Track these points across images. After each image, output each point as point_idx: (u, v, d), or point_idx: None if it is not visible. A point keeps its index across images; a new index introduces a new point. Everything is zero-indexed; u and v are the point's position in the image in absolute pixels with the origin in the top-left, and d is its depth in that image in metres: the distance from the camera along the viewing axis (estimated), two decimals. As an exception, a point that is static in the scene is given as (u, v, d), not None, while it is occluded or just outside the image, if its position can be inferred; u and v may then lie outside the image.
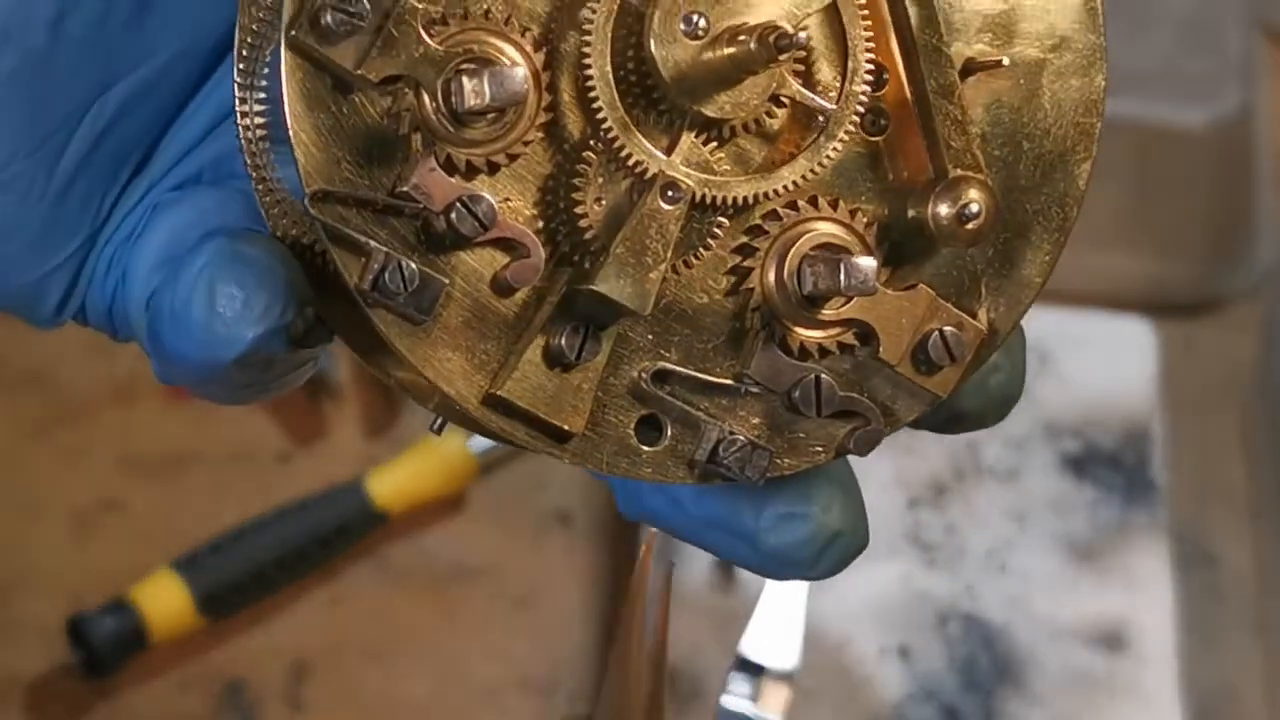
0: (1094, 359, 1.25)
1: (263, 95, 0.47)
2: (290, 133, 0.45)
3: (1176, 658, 1.13)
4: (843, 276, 0.46)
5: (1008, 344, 0.51)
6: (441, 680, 1.12)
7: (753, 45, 0.45)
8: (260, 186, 0.49)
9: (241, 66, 0.48)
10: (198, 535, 1.13)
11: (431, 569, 1.16)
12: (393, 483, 1.17)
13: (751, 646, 0.97)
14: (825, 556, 0.50)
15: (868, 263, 0.46)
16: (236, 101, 0.49)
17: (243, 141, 0.49)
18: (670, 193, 0.46)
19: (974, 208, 0.47)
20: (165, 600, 1.10)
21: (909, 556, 1.14)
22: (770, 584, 1.03)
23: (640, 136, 0.46)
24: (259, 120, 0.48)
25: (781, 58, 0.45)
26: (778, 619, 0.97)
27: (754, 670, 0.97)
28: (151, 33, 0.50)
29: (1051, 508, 1.18)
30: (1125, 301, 1.28)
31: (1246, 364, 1.24)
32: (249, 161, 0.49)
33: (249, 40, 0.48)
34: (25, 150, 0.49)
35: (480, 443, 1.19)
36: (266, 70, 0.47)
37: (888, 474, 1.17)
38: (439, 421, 0.51)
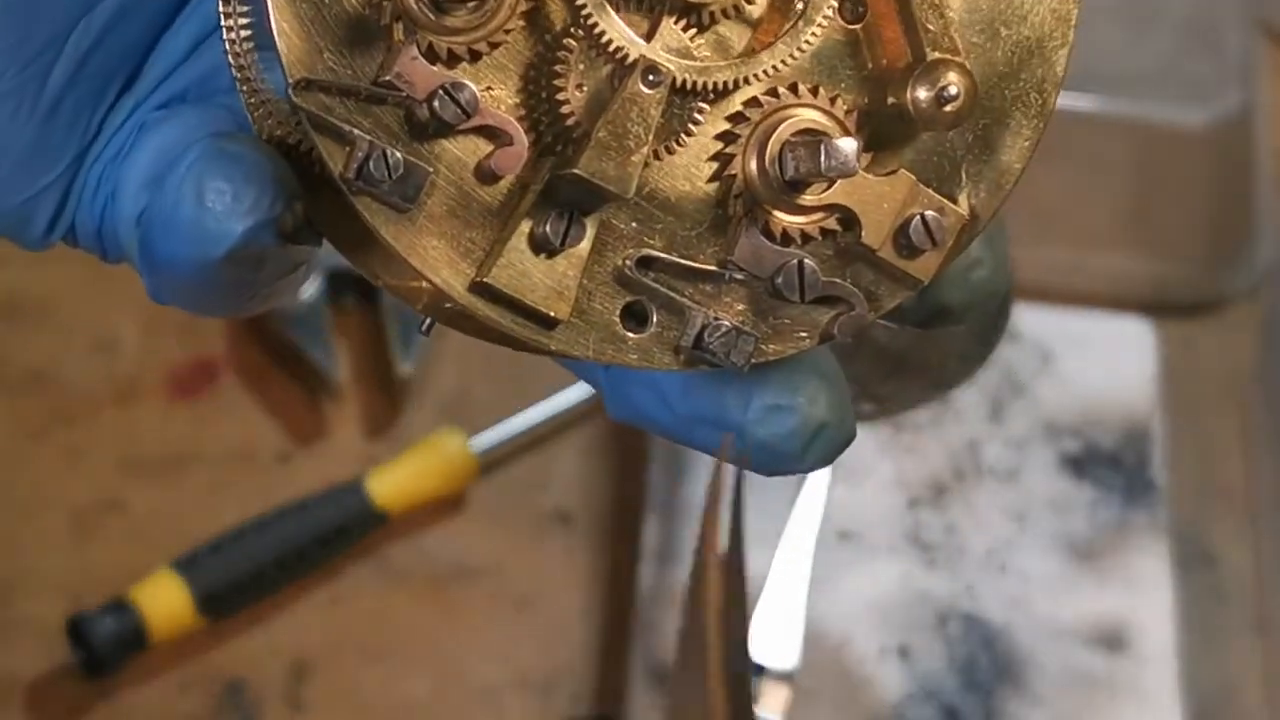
0: (1094, 359, 1.25)
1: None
2: (272, 23, 0.46)
3: (1176, 658, 1.13)
4: (823, 158, 0.47)
5: (990, 238, 0.52)
6: (441, 680, 1.11)
7: None
8: (245, 88, 0.50)
9: None
10: (198, 535, 1.13)
11: (431, 569, 1.16)
12: (393, 483, 1.17)
13: (751, 646, 0.97)
14: (812, 448, 0.51)
15: (848, 144, 0.47)
16: (220, 3, 0.49)
17: (227, 45, 0.49)
18: (651, 77, 0.46)
19: (952, 90, 0.47)
20: (165, 600, 1.10)
21: (909, 556, 1.14)
22: (770, 583, 1.03)
23: (621, 22, 0.46)
24: (243, 22, 0.49)
25: None
26: (777, 618, 0.97)
27: (754, 670, 0.97)
28: None
29: (1051, 508, 1.18)
30: (1125, 301, 1.28)
31: (1246, 364, 1.24)
32: (233, 64, 0.49)
33: None
34: (13, 69, 0.50)
35: (481, 442, 1.19)
36: None
37: (888, 474, 1.17)
38: (427, 323, 0.52)
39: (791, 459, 0.51)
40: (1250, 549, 1.19)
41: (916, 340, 1.28)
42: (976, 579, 1.15)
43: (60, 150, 0.51)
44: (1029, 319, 1.25)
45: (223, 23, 0.49)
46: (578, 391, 1.19)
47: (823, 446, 0.51)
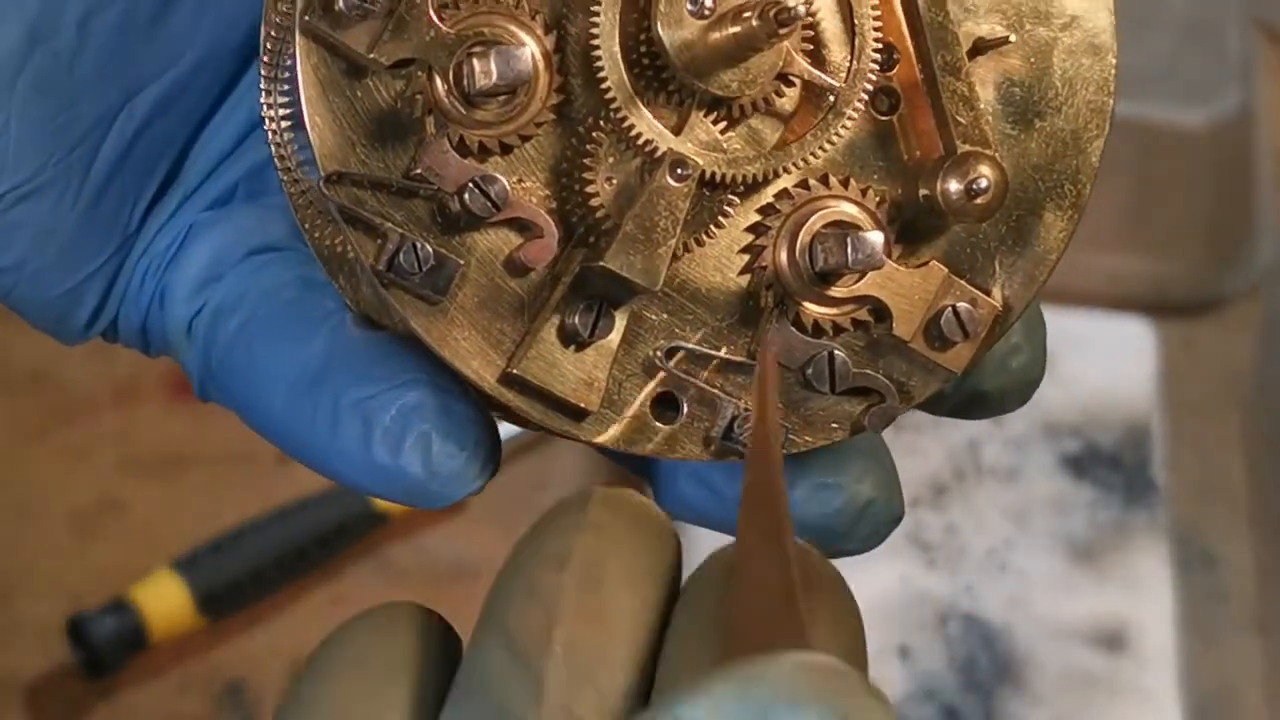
0: (1094, 359, 1.25)
1: (286, 88, 0.48)
2: (305, 117, 0.46)
3: (1176, 658, 1.13)
4: (850, 251, 0.47)
5: (1028, 325, 0.51)
6: (441, 680, 1.11)
7: (755, 21, 0.45)
8: (286, 177, 0.49)
9: (266, 59, 0.49)
10: (198, 535, 1.13)
11: (431, 569, 1.16)
12: (393, 483, 1.17)
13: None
14: (860, 525, 0.51)
15: (875, 237, 0.47)
16: (262, 94, 0.49)
17: (269, 134, 0.49)
18: (679, 170, 0.46)
19: (983, 183, 0.47)
20: (165, 600, 1.10)
21: (909, 556, 1.14)
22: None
23: (649, 116, 0.46)
24: (284, 112, 0.49)
25: (782, 31, 0.45)
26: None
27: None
28: (178, 34, 0.50)
29: (1051, 508, 1.18)
30: (1125, 301, 1.28)
31: (1246, 364, 1.24)
32: (275, 154, 0.49)
33: (273, 34, 0.49)
34: (57, 156, 0.49)
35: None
36: (289, 63, 0.47)
37: (888, 474, 1.17)
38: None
39: (840, 537, 0.50)
40: (1250, 549, 1.19)
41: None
42: (976, 579, 1.15)
43: (105, 239, 0.50)
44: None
45: (264, 113, 0.49)
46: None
47: (871, 523, 0.51)
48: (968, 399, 0.52)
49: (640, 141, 0.46)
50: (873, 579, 1.12)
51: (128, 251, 0.51)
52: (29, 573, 1.14)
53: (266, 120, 0.49)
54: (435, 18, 0.46)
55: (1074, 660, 1.12)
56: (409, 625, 0.44)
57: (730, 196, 0.48)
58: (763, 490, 0.42)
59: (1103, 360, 1.25)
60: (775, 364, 0.48)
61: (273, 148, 0.49)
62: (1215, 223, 1.29)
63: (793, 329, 0.48)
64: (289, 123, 0.49)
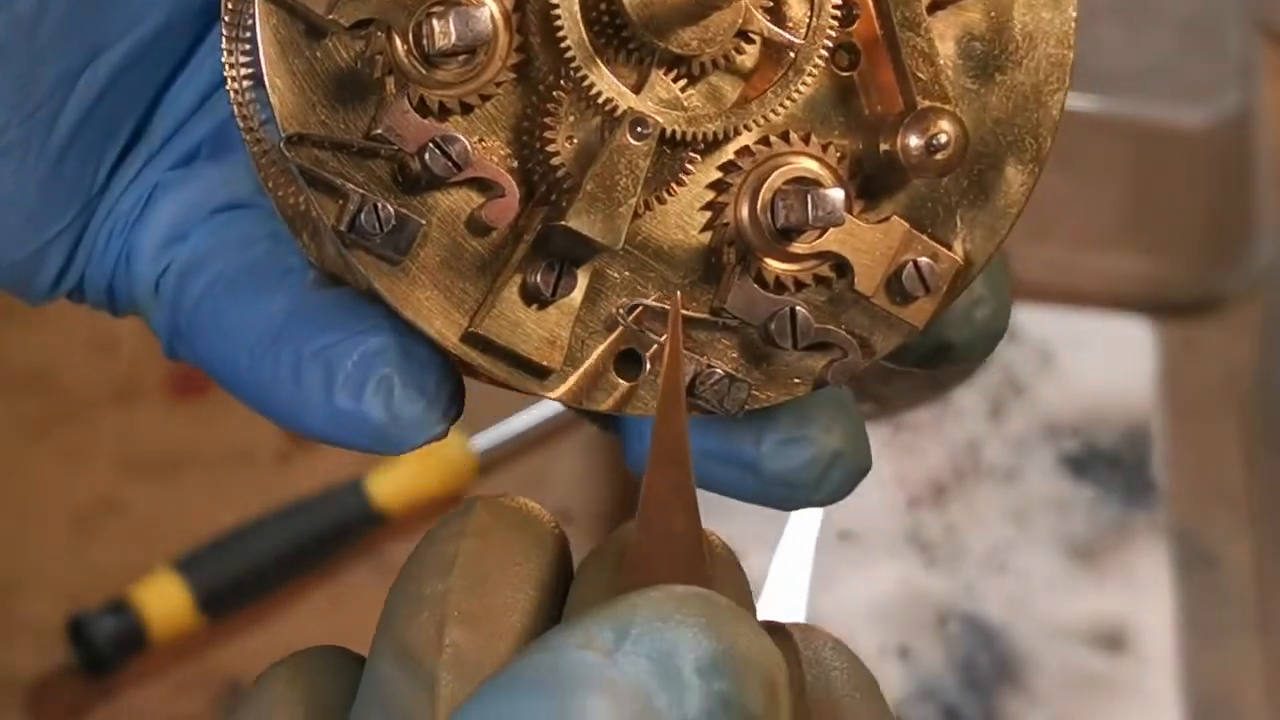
0: (1094, 359, 1.25)
1: (248, 48, 0.48)
2: (265, 78, 0.46)
3: (1176, 658, 1.13)
4: (811, 207, 0.47)
5: (992, 277, 0.52)
6: (441, 680, 1.11)
7: None
8: (249, 136, 0.50)
9: (227, 19, 0.49)
10: (198, 535, 1.13)
11: (431, 569, 1.16)
12: (392, 483, 1.17)
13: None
14: (829, 478, 0.51)
15: (836, 194, 0.47)
16: (224, 54, 0.49)
17: (230, 94, 0.49)
18: (639, 128, 0.46)
19: (942, 138, 0.47)
20: (165, 600, 1.10)
21: (909, 556, 1.14)
22: (770, 584, 1.03)
23: (609, 74, 0.47)
24: (245, 72, 0.49)
25: None
26: (777, 618, 0.97)
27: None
28: None
29: (1051, 508, 1.18)
30: (1125, 301, 1.28)
31: (1246, 364, 1.24)
32: (237, 114, 0.49)
33: None
34: (18, 119, 0.49)
35: (481, 442, 1.19)
36: (250, 23, 0.47)
37: (887, 474, 1.17)
38: None
39: (807, 490, 0.51)
40: (1250, 549, 1.19)
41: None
42: (976, 579, 1.15)
43: (69, 200, 0.51)
44: (1029, 319, 1.25)
45: (226, 72, 0.49)
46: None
47: (839, 476, 0.51)
48: (932, 350, 0.52)
49: (600, 100, 0.46)
50: (872, 579, 1.12)
51: (92, 212, 0.52)
52: (29, 573, 1.14)
53: (228, 80, 0.49)
54: None
55: (1074, 660, 1.12)
56: (321, 663, 0.45)
57: (691, 154, 0.48)
58: (672, 442, 0.43)
59: (1103, 360, 1.25)
60: (680, 315, 0.48)
61: (234, 108, 0.50)
62: (1215, 223, 1.29)
63: (754, 285, 0.48)
64: (250, 82, 0.49)
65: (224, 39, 0.49)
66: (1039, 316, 1.25)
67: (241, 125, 0.50)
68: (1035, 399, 1.23)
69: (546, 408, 1.19)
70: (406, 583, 0.44)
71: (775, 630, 0.43)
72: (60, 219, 0.51)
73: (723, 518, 0.52)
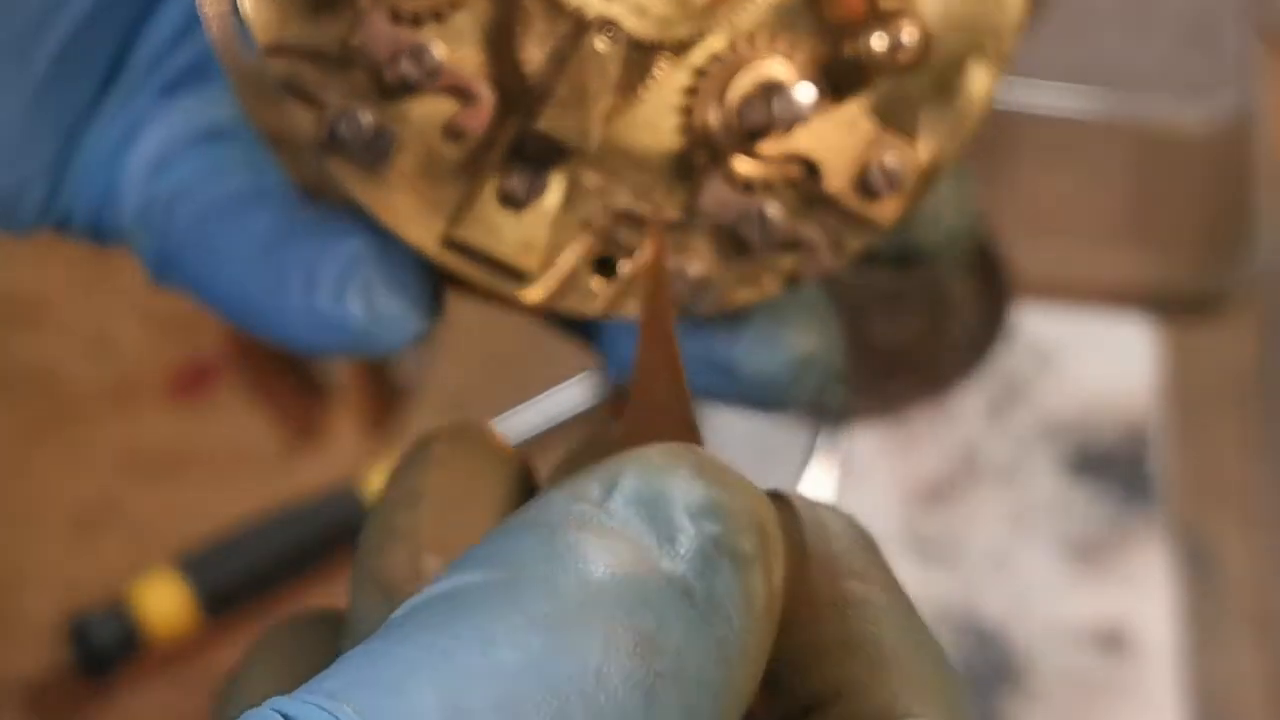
0: (1094, 359, 1.25)
1: None
2: None
3: (1176, 658, 1.13)
4: (776, 105, 0.48)
5: (958, 179, 0.52)
6: (441, 680, 1.11)
7: None
8: (226, 58, 0.50)
9: None
10: (198, 535, 1.13)
11: (431, 569, 1.16)
12: (393, 483, 1.17)
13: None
14: (804, 380, 0.51)
15: (801, 92, 0.48)
16: None
17: (207, 13, 0.50)
18: (607, 33, 0.47)
19: (904, 37, 0.48)
20: (165, 600, 1.10)
21: (908, 556, 1.14)
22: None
23: None
24: None
25: None
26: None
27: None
28: None
29: (1051, 508, 1.19)
30: (1125, 301, 1.28)
31: (1246, 364, 1.24)
32: (213, 34, 0.50)
33: None
34: None
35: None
36: None
37: (887, 474, 1.18)
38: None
39: (783, 392, 0.52)
40: (1250, 549, 1.19)
41: (916, 339, 1.28)
42: (975, 579, 1.15)
43: (50, 133, 0.51)
44: (1029, 319, 1.25)
45: None
46: (577, 391, 1.19)
47: (812, 378, 0.52)
48: (903, 253, 0.53)
49: (569, 7, 0.47)
50: (872, 579, 1.12)
51: (76, 143, 0.52)
52: (29, 573, 1.14)
53: (200, 3, 0.50)
54: None
55: (1073, 660, 1.13)
56: (304, 626, 0.46)
57: (660, 59, 0.48)
58: (658, 320, 0.44)
59: (1103, 360, 1.25)
60: (660, 214, 0.49)
61: (211, 28, 0.50)
62: (1215, 223, 1.29)
63: (725, 186, 0.49)
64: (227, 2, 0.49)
65: None
66: (1039, 316, 1.25)
67: (218, 46, 0.50)
68: (1035, 399, 1.23)
69: (547, 409, 1.19)
70: (377, 520, 0.44)
71: (774, 495, 0.43)
72: (43, 150, 0.51)
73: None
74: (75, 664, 1.11)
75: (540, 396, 1.19)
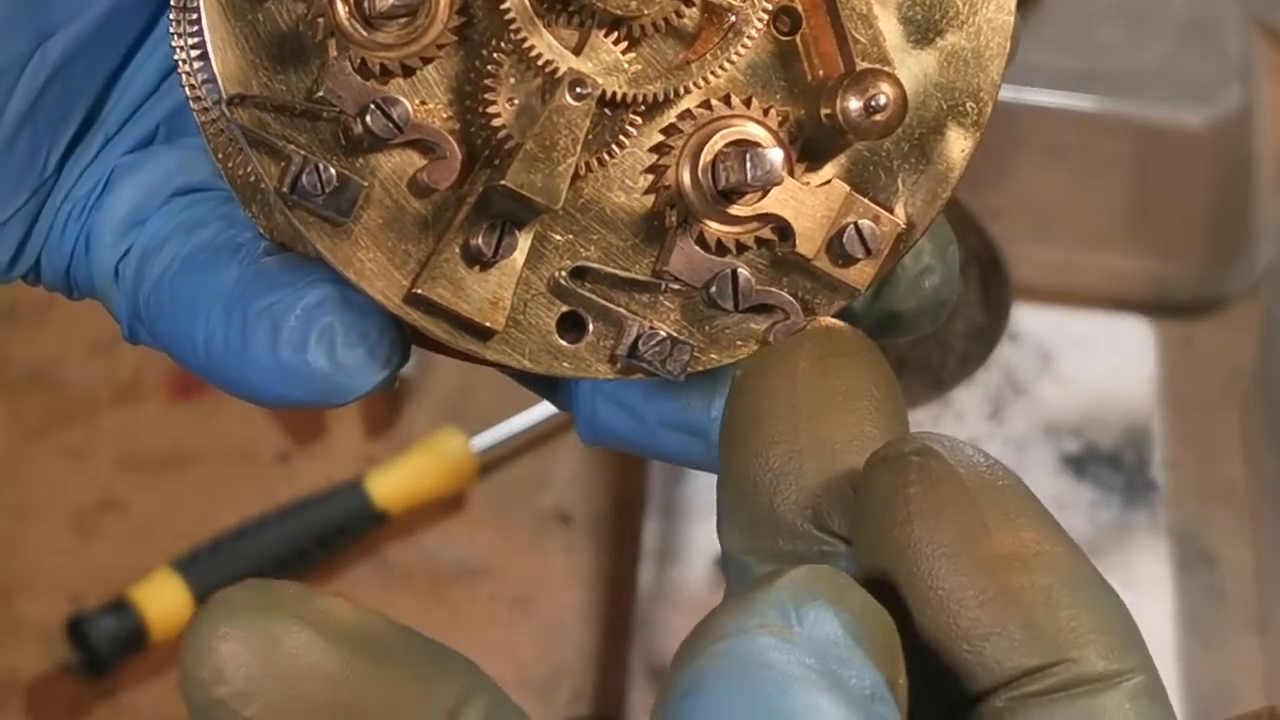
0: (1094, 359, 1.25)
1: (195, 16, 0.48)
2: (207, 41, 0.46)
3: (1176, 658, 1.13)
4: (750, 167, 0.47)
5: (940, 246, 0.52)
6: (441, 680, 1.12)
7: None
8: (196, 106, 0.50)
9: None
10: (198, 535, 1.13)
11: (431, 569, 1.16)
12: (393, 483, 1.17)
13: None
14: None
15: (775, 153, 0.47)
16: (171, 24, 0.49)
17: (178, 64, 0.49)
18: (578, 89, 0.47)
19: (881, 99, 0.47)
20: (165, 600, 1.10)
21: (909, 556, 1.14)
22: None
23: (549, 36, 0.47)
24: (193, 41, 0.49)
25: None
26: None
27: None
28: None
29: (1051, 508, 1.18)
30: (1125, 301, 1.28)
31: (1246, 364, 1.24)
32: (185, 83, 0.50)
33: None
34: None
35: (481, 442, 1.19)
36: None
37: (888, 474, 1.17)
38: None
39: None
40: (1250, 549, 1.19)
41: (916, 340, 1.28)
42: (976, 579, 1.14)
43: (20, 185, 0.51)
44: (1029, 319, 1.25)
45: (174, 42, 0.49)
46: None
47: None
48: (882, 319, 0.52)
49: (540, 62, 0.46)
50: (873, 579, 1.12)
51: (46, 195, 0.52)
52: (29, 573, 1.14)
53: (176, 51, 0.50)
54: None
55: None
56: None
57: (632, 116, 0.48)
58: None
59: (1103, 360, 1.25)
60: None
61: (183, 77, 0.50)
62: (1215, 223, 1.29)
63: (696, 247, 0.48)
64: (199, 53, 0.49)
65: (172, 9, 0.49)
66: (1039, 316, 1.25)
67: (190, 95, 0.50)
68: (1035, 399, 1.23)
69: (546, 408, 1.19)
70: (746, 427, 0.47)
71: (925, 449, 0.45)
72: (11, 203, 0.51)
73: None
74: (75, 664, 1.11)
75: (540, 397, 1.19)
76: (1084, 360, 1.25)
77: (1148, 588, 1.15)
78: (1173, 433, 1.22)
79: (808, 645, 0.39)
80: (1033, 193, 1.28)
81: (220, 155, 0.50)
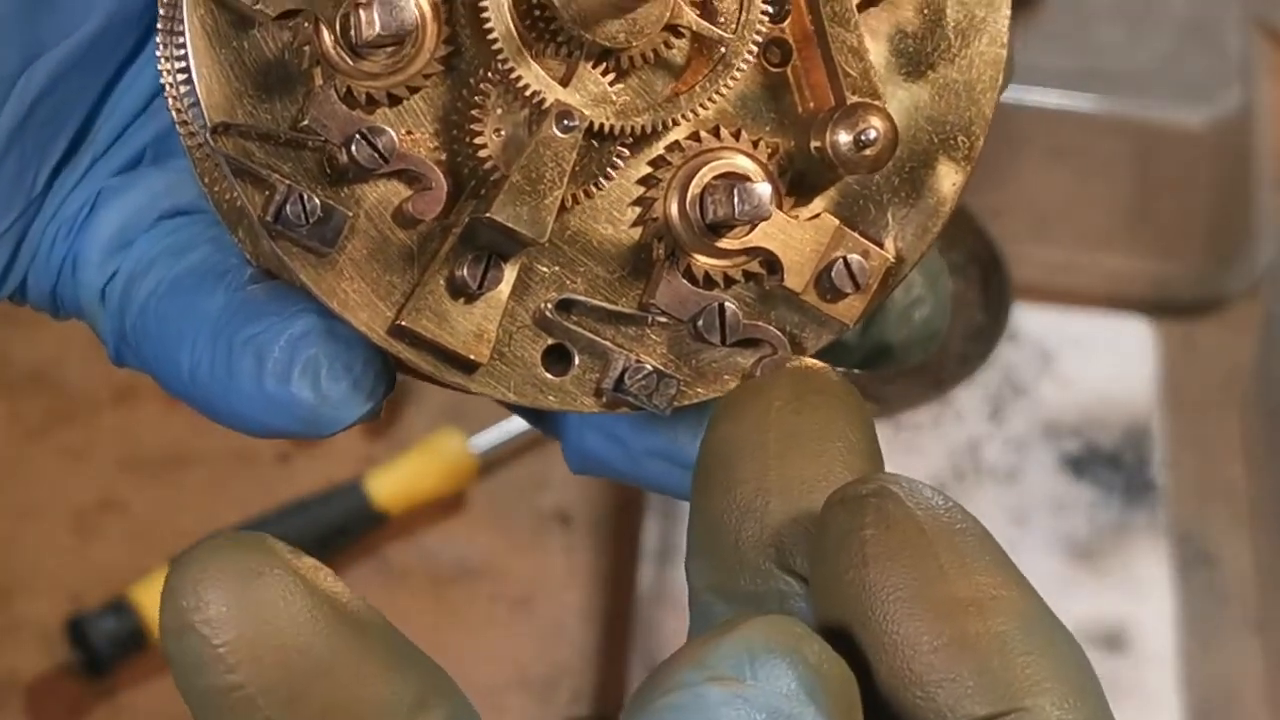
0: (1094, 359, 1.25)
1: (181, 40, 0.48)
2: (192, 69, 0.46)
3: (1176, 658, 1.13)
4: (737, 201, 0.47)
5: (931, 278, 0.52)
6: (441, 680, 1.11)
7: None
8: (183, 130, 0.49)
9: (163, 12, 0.49)
10: (198, 535, 1.12)
11: (431, 569, 1.16)
12: (393, 483, 1.17)
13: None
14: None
15: (763, 188, 0.47)
16: (159, 49, 0.49)
17: (165, 88, 0.49)
18: (565, 121, 0.46)
19: (871, 134, 0.47)
20: (165, 600, 1.10)
21: (909, 556, 1.14)
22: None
23: (537, 67, 0.46)
24: (180, 65, 0.49)
25: None
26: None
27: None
28: (78, 1, 0.50)
29: (1051, 508, 1.18)
30: (1125, 301, 1.28)
31: (1246, 364, 1.24)
32: (172, 107, 0.49)
33: None
34: None
35: (481, 442, 1.19)
36: (184, 15, 0.47)
37: (888, 474, 1.17)
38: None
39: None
40: (1250, 549, 1.19)
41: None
42: (976, 579, 1.14)
43: (7, 205, 0.50)
44: (1029, 319, 1.25)
45: (161, 65, 0.49)
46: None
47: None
48: (872, 351, 0.52)
49: (528, 93, 0.46)
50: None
51: (33, 216, 0.52)
52: (29, 573, 1.14)
53: (163, 74, 0.49)
54: None
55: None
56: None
57: (620, 148, 0.48)
58: None
59: (1103, 360, 1.25)
60: None
61: (170, 100, 0.49)
62: (1215, 223, 1.29)
63: (683, 281, 0.48)
64: (185, 77, 0.48)
65: (159, 33, 0.49)
66: (1039, 316, 1.25)
67: (177, 119, 0.49)
68: (1035, 399, 1.23)
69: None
70: (716, 466, 0.46)
71: (883, 490, 0.44)
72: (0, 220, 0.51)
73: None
74: (75, 664, 1.11)
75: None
76: (1084, 360, 1.25)
77: (1148, 588, 1.15)
78: (1173, 433, 1.22)
79: (759, 701, 0.39)
80: (1033, 193, 1.28)
81: (206, 180, 0.50)
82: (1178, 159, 1.26)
